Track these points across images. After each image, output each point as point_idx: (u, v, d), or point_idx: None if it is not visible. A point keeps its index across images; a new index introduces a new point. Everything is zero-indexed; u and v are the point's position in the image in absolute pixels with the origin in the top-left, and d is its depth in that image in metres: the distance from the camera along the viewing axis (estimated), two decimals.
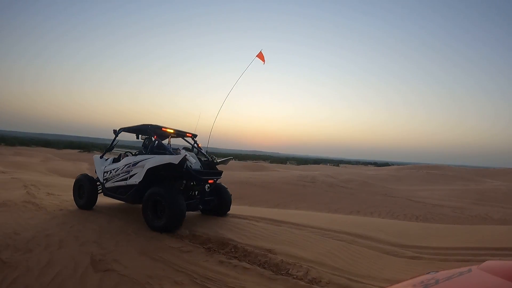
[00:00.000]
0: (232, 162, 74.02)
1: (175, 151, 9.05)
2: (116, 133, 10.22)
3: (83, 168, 50.75)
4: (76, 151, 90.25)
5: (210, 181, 9.24)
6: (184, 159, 8.17)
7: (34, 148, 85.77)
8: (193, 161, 8.34)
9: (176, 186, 8.77)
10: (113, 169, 9.59)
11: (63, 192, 14.99)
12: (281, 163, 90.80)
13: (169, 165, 8.28)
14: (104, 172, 9.91)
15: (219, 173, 9.66)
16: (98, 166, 10.35)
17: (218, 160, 10.04)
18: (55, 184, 19.30)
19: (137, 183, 8.74)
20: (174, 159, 8.21)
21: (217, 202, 9.79)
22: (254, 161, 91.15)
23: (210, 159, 10.03)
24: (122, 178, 9.20)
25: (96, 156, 10.77)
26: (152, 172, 8.56)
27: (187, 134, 10.36)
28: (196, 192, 9.25)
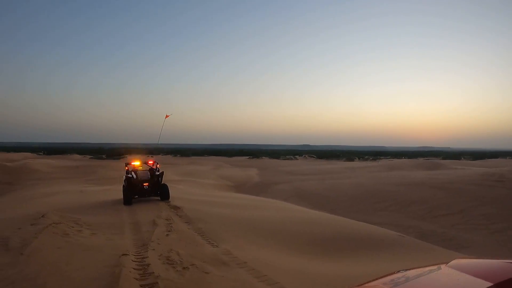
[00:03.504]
0: (402, 160, 70.08)
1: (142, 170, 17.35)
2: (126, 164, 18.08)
3: (252, 173, 51.82)
4: (245, 157, 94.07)
5: (145, 184, 16.47)
6: (129, 175, 16.60)
7: (206, 158, 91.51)
8: (141, 174, 16.77)
9: (137, 187, 16.45)
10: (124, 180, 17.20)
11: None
12: (455, 159, 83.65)
13: (127, 177, 16.63)
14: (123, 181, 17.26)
15: (150, 180, 16.72)
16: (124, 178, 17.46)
17: (157, 173, 17.04)
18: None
19: (125, 186, 16.56)
20: (126, 175, 16.92)
21: (161, 194, 16.84)
22: (425, 158, 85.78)
23: (155, 172, 17.09)
24: (123, 184, 16.98)
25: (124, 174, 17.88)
26: (128, 181, 16.53)
27: (148, 162, 18.13)
28: (145, 188, 16.54)
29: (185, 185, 32.01)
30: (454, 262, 2.32)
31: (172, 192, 20.40)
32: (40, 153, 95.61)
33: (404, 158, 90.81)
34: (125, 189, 16.26)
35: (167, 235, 9.62)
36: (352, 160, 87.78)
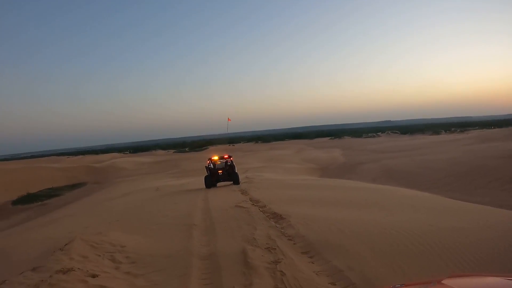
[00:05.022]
0: (494, 131, 65.71)
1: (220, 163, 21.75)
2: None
3: (336, 154, 50.68)
4: (327, 138, 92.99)
5: (219, 171, 21.03)
6: (209, 166, 21.24)
7: (287, 141, 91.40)
8: (218, 165, 21.23)
9: (214, 174, 21.15)
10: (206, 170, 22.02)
11: None
12: None
13: (207, 168, 21.42)
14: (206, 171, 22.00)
15: (224, 169, 21.11)
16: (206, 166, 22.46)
17: (228, 164, 21.21)
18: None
19: (208, 174, 21.30)
20: (206, 166, 21.66)
21: (232, 179, 21.28)
22: None
23: (228, 163, 21.29)
24: (206, 172, 21.65)
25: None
26: (208, 170, 21.30)
27: (224, 157, 21.76)
28: (219, 174, 21.11)
29: (270, 171, 31.71)
30: (449, 278, 2.25)
31: (259, 177, 23.15)
32: (126, 152, 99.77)
33: (494, 128, 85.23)
34: (206, 177, 21.35)
35: None
36: (438, 133, 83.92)
